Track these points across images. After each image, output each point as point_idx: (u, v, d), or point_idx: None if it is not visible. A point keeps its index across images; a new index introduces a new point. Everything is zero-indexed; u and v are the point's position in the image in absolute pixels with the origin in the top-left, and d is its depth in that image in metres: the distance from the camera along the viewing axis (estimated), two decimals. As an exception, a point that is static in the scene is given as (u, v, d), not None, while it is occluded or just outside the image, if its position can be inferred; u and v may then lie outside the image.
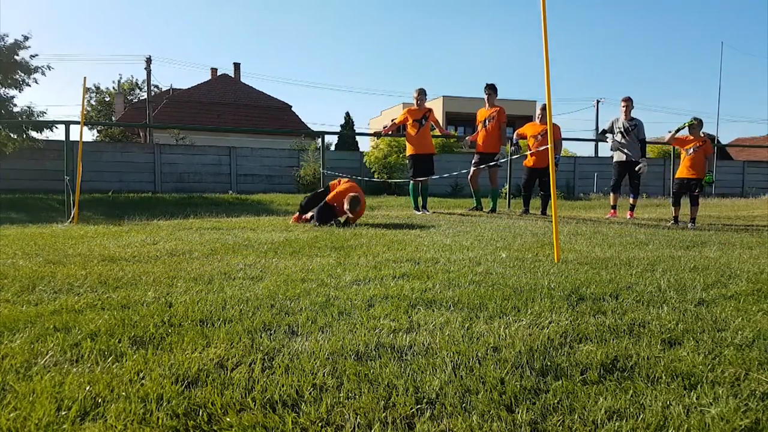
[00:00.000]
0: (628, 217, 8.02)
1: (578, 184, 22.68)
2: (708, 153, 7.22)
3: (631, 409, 1.50)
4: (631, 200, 8.14)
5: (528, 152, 7.99)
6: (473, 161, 8.22)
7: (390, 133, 8.19)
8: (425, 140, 7.81)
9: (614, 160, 8.17)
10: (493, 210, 8.30)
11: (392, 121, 8.02)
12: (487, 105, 8.08)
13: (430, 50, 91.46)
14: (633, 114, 7.98)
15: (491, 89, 8.03)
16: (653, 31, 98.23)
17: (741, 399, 1.58)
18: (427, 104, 8.11)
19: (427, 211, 8.02)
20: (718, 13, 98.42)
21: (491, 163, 7.86)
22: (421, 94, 7.81)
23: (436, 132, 8.88)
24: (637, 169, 7.77)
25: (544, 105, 7.98)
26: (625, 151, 7.89)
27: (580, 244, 4.62)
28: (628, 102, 7.95)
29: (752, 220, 8.02)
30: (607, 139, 8.13)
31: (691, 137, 7.13)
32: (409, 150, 7.87)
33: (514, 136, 8.36)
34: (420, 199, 8.13)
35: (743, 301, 2.67)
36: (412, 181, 8.06)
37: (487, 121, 7.96)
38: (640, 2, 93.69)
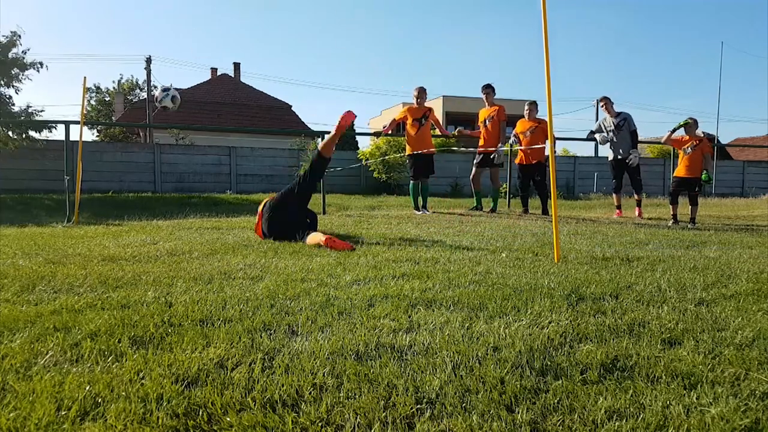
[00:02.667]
0: (637, 215, 8.00)
1: (578, 184, 22.68)
2: (705, 152, 7.22)
3: (631, 409, 1.50)
4: (635, 197, 8.14)
5: (519, 149, 8.04)
6: (475, 161, 8.22)
7: (390, 132, 8.15)
8: (425, 140, 7.77)
9: (609, 159, 8.21)
10: (494, 210, 8.30)
11: (393, 119, 8.00)
12: (486, 105, 8.09)
13: (430, 50, 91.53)
14: (631, 112, 8.02)
15: (489, 89, 8.02)
16: (653, 31, 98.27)
17: (741, 399, 1.58)
18: (428, 104, 8.09)
19: (427, 211, 8.00)
20: (718, 13, 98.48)
21: (493, 161, 7.86)
22: (421, 92, 7.74)
23: (437, 132, 8.87)
24: (627, 160, 7.78)
25: (531, 101, 8.04)
26: (615, 148, 7.92)
27: (580, 244, 4.62)
28: (606, 100, 7.98)
29: (752, 220, 8.01)
30: (597, 137, 8.17)
31: (688, 137, 7.15)
32: (409, 149, 7.85)
33: (513, 136, 8.38)
34: (420, 199, 8.12)
35: (743, 300, 2.67)
36: (412, 181, 8.06)
37: (487, 120, 7.98)
38: (641, 2, 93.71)
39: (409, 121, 7.72)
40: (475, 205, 8.50)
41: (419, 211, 7.97)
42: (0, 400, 1.54)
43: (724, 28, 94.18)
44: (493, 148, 7.89)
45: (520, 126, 8.06)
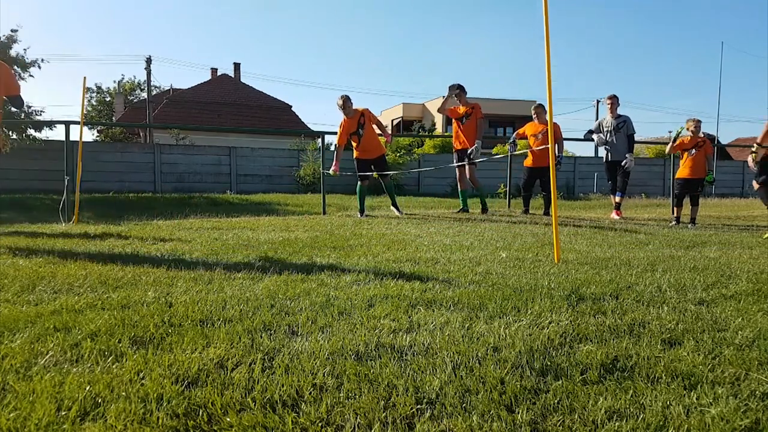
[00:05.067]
0: (615, 216, 7.92)
1: (578, 184, 22.68)
2: (708, 152, 7.21)
3: (631, 409, 1.50)
4: (617, 198, 8.05)
5: (528, 151, 7.98)
6: (455, 161, 8.04)
7: (358, 141, 7.57)
8: (370, 145, 7.47)
9: (604, 160, 8.17)
10: (484, 210, 8.11)
11: (335, 147, 7.65)
12: (460, 105, 7.87)
13: (430, 50, 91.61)
14: (630, 113, 7.99)
15: (459, 89, 7.77)
16: (654, 30, 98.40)
17: (741, 399, 1.58)
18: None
19: (398, 210, 7.83)
20: (718, 13, 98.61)
21: (470, 157, 7.66)
22: (345, 101, 7.28)
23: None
24: (623, 163, 7.73)
25: (538, 104, 7.97)
26: (611, 149, 7.89)
27: (580, 244, 4.62)
28: (614, 99, 7.93)
29: (752, 220, 8.01)
30: (593, 137, 8.13)
31: (693, 138, 7.11)
32: (355, 153, 7.57)
33: (513, 136, 8.34)
34: (389, 198, 7.93)
35: (743, 301, 2.67)
36: (359, 183, 7.63)
37: (464, 118, 7.79)
38: (641, 2, 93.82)
39: (350, 136, 7.49)
40: (461, 207, 8.29)
41: (362, 215, 7.51)
42: (0, 400, 1.54)
43: (724, 28, 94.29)
44: (470, 146, 7.68)
45: (531, 128, 7.98)
